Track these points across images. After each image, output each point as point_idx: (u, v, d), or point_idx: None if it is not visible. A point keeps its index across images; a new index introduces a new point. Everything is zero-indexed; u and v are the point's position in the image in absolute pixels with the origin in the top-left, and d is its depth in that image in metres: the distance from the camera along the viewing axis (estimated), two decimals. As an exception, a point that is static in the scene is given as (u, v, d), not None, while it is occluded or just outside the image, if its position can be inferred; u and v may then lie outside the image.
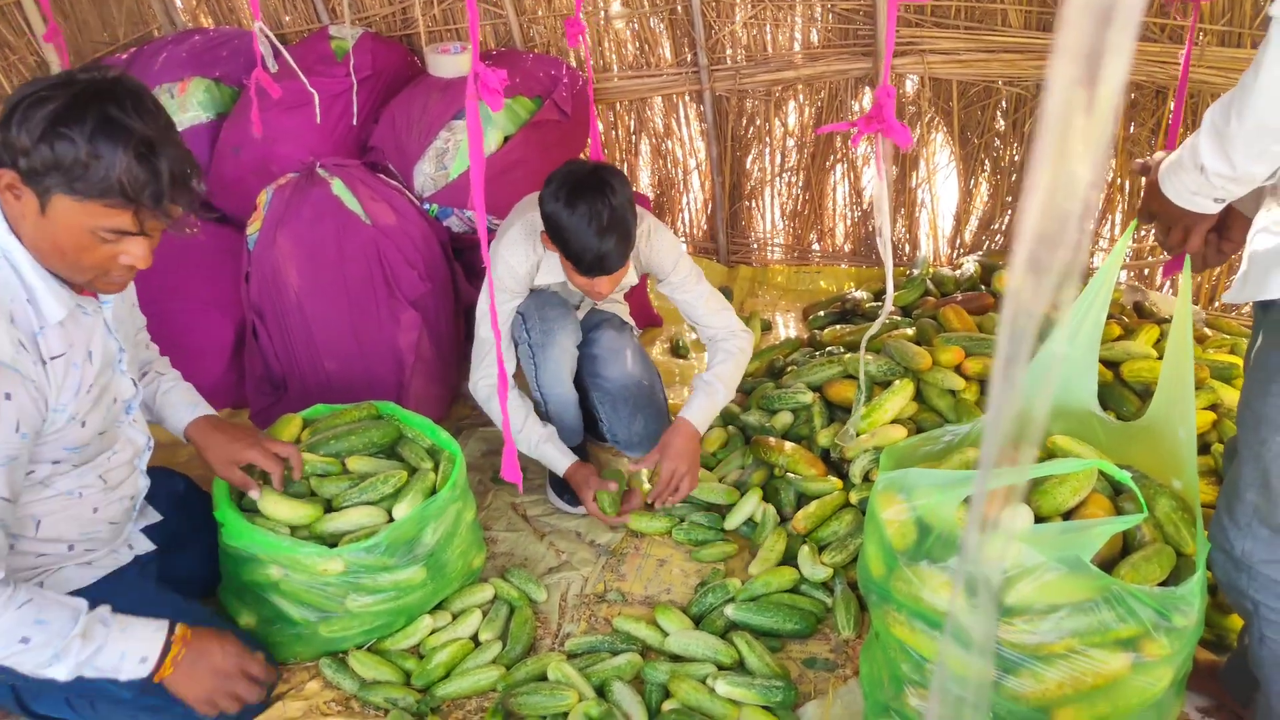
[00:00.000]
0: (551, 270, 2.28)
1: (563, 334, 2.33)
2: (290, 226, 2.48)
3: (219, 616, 1.98)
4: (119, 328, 1.73)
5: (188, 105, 3.04)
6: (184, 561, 2.03)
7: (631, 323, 2.63)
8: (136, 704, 1.81)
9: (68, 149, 1.40)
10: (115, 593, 1.74)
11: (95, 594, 1.70)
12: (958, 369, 2.44)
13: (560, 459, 2.33)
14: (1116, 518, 1.57)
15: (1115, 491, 1.69)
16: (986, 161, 3.29)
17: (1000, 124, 3.19)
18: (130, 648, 1.62)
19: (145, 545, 1.93)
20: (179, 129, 3.16)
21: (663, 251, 2.33)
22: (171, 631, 1.66)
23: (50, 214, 1.46)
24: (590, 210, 2.01)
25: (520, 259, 2.24)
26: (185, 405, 1.96)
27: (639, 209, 2.23)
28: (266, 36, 2.54)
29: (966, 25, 3.01)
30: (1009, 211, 3.31)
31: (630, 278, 2.34)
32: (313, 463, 2.04)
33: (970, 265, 3.06)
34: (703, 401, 2.34)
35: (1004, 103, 3.14)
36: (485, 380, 2.30)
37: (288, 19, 3.51)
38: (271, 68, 2.75)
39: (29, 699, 1.90)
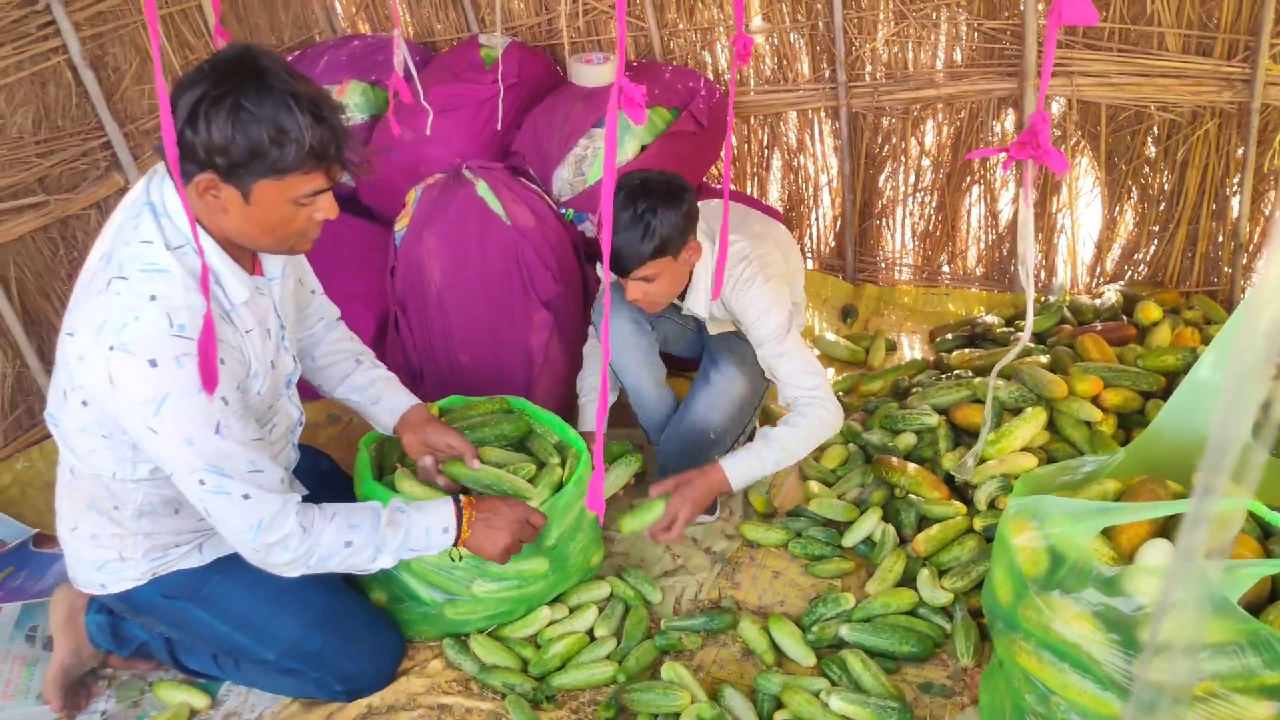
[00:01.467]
0: None
1: (627, 330, 2.37)
2: (436, 225, 2.59)
3: (354, 589, 2.08)
4: (283, 306, 1.84)
5: (345, 107, 3.20)
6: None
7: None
8: (277, 665, 1.93)
9: (259, 134, 1.47)
10: None
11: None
12: (1095, 400, 2.37)
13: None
14: (1267, 560, 1.50)
15: (1265, 534, 1.62)
16: (1134, 189, 3.18)
17: (1151, 150, 3.08)
18: (431, 522, 1.82)
19: None
20: (337, 129, 3.34)
21: (747, 304, 2.24)
22: (457, 502, 1.86)
23: (255, 200, 1.54)
24: (620, 201, 2.06)
25: None
26: (403, 392, 2.11)
27: (755, 259, 2.24)
28: (402, 44, 2.64)
29: (1120, 48, 2.93)
30: (1154, 241, 3.19)
31: (667, 293, 2.22)
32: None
33: (1111, 295, 2.96)
34: (749, 459, 2.20)
35: (1155, 129, 3.03)
36: (589, 379, 2.46)
37: (439, 27, 3.66)
38: (411, 73, 2.87)
39: (181, 654, 2.05)
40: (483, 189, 2.63)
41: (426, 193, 2.66)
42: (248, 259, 1.71)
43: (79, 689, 2.05)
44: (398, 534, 1.78)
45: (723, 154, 3.37)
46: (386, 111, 3.19)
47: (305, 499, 2.09)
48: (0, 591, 2.30)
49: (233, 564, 1.83)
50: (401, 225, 2.69)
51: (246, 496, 1.61)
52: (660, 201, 2.07)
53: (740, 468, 2.20)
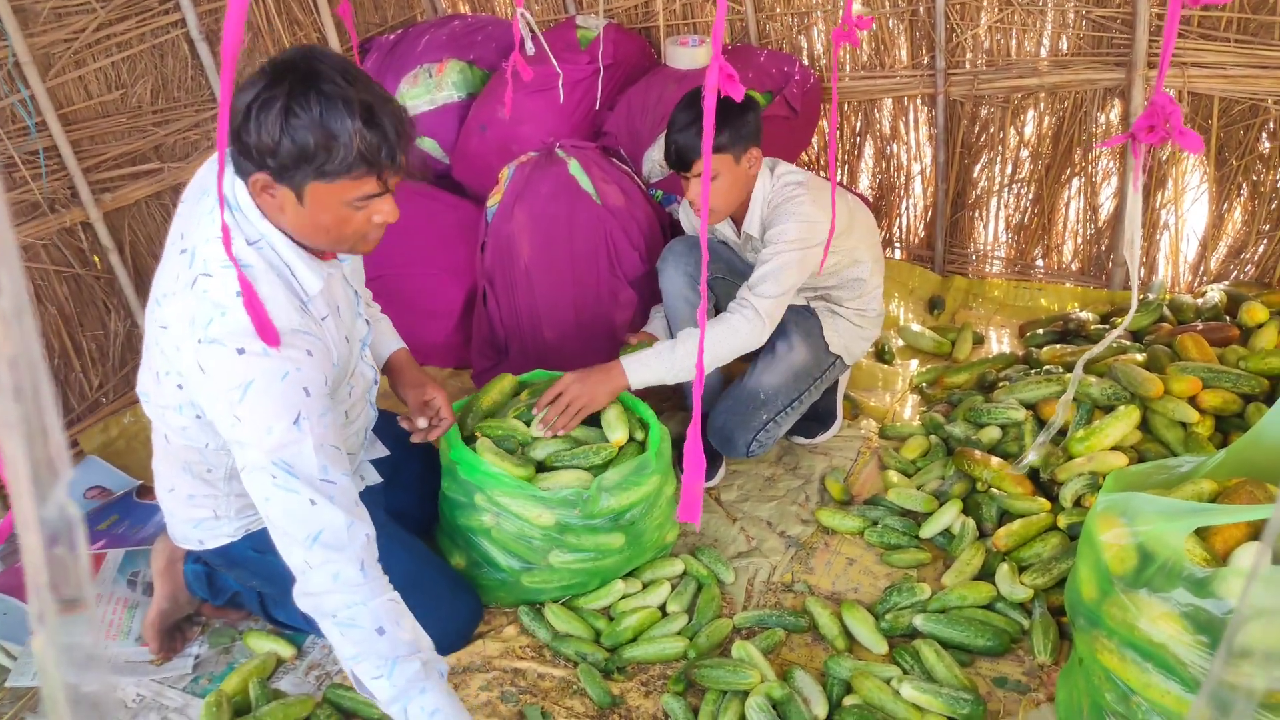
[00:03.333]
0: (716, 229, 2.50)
1: (679, 259, 2.46)
2: (528, 201, 2.63)
3: (435, 552, 2.14)
4: (354, 277, 1.90)
5: (443, 85, 3.27)
6: (405, 499, 2.20)
7: (834, 341, 2.51)
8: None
9: (306, 138, 1.47)
10: None
11: None
12: (1192, 401, 2.29)
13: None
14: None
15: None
16: (1244, 185, 3.05)
17: (1265, 146, 2.95)
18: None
19: (374, 477, 2.10)
20: (434, 106, 3.41)
21: (781, 214, 2.26)
22: None
23: (308, 202, 1.55)
24: (682, 104, 2.21)
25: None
26: (391, 335, 2.14)
27: (809, 187, 2.29)
28: (528, 21, 2.70)
29: (1237, 38, 2.81)
30: (1264, 240, 3.06)
31: (726, 197, 2.28)
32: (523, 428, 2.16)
33: (1215, 294, 2.85)
34: (650, 357, 2.16)
35: (1271, 123, 2.90)
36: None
37: (537, 7, 3.70)
38: (529, 51, 2.92)
39: (272, 607, 2.13)
40: (574, 168, 2.66)
41: (519, 170, 2.71)
42: None
43: (175, 633, 2.15)
44: (416, 683, 1.55)
45: (823, 127, 3.35)
46: (482, 90, 3.25)
47: (387, 459, 2.16)
48: (106, 538, 2.43)
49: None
50: (494, 202, 2.75)
51: (313, 503, 1.55)
52: (725, 102, 2.09)
53: (642, 366, 2.15)
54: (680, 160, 2.23)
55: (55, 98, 2.60)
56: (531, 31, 2.61)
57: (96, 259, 2.77)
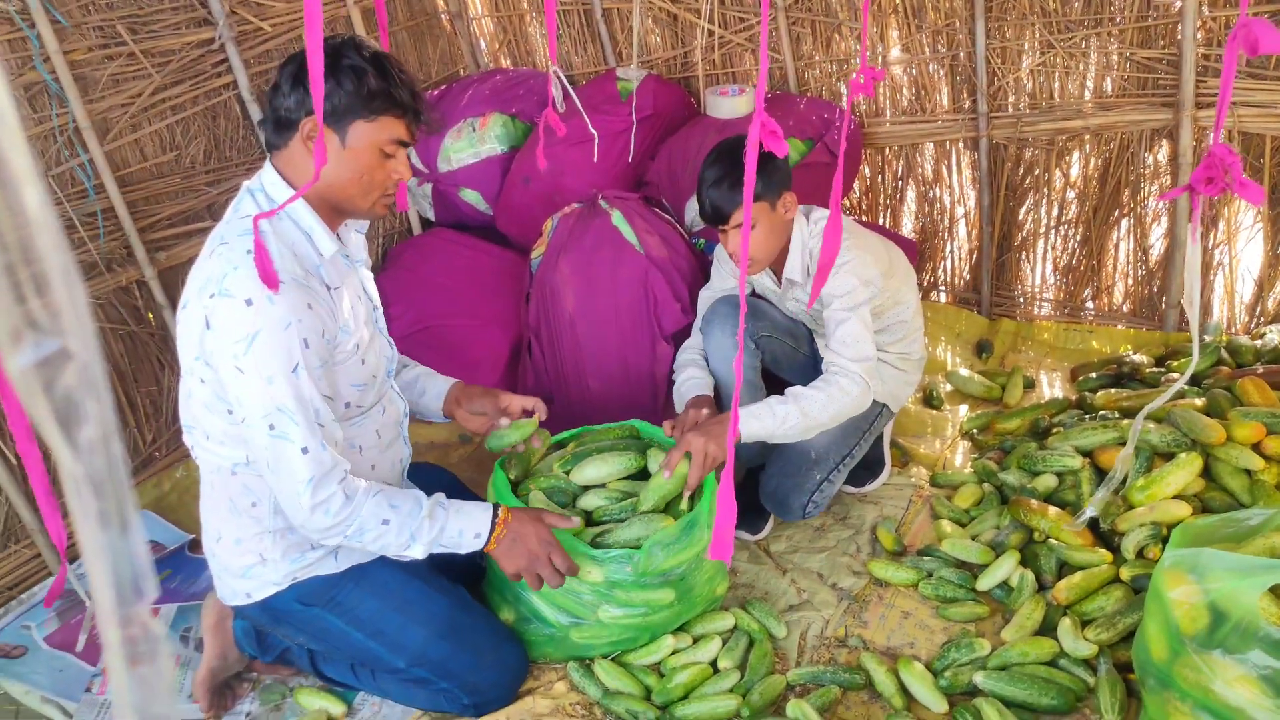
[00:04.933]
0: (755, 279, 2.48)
1: (725, 320, 2.40)
2: (572, 253, 2.65)
3: (482, 605, 2.13)
4: (374, 294, 1.99)
5: (486, 138, 3.32)
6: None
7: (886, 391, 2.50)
8: (407, 675, 1.99)
9: (355, 80, 1.69)
10: (392, 561, 1.93)
11: (380, 561, 1.92)
12: (1256, 447, 2.23)
13: (692, 392, 2.36)
14: None
15: None
16: (1300, 224, 2.99)
17: (1320, 184, 2.89)
18: (466, 525, 1.87)
19: None
20: (478, 159, 3.47)
21: (839, 281, 2.24)
22: (496, 513, 1.90)
23: (350, 142, 1.73)
24: (709, 160, 2.21)
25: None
26: (442, 378, 2.21)
27: (848, 230, 2.28)
28: (559, 79, 2.74)
29: (1287, 76, 2.77)
30: (1323, 280, 2.99)
31: (765, 246, 2.27)
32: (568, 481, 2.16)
33: (1274, 335, 2.78)
34: (764, 411, 2.13)
35: (1326, 161, 2.85)
36: (686, 369, 2.43)
37: (578, 60, 3.76)
38: (560, 108, 2.96)
39: (321, 663, 2.13)
40: (617, 218, 2.68)
41: (563, 222, 2.73)
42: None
43: (225, 691, 2.15)
44: (434, 527, 1.83)
45: (864, 173, 3.34)
46: (524, 143, 3.29)
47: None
48: (159, 593, 2.45)
49: (365, 573, 1.92)
50: (538, 253, 2.77)
51: (305, 450, 1.68)
52: (741, 161, 2.14)
53: (752, 418, 2.13)
54: (716, 215, 2.22)
55: (112, 161, 2.68)
56: (564, 88, 2.65)
57: (150, 316, 2.82)
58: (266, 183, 1.78)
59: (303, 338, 1.66)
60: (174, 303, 2.84)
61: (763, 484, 2.46)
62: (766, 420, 2.13)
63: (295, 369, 1.66)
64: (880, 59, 3.34)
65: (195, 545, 2.59)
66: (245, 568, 1.90)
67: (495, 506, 1.92)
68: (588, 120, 2.82)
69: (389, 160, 1.77)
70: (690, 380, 2.40)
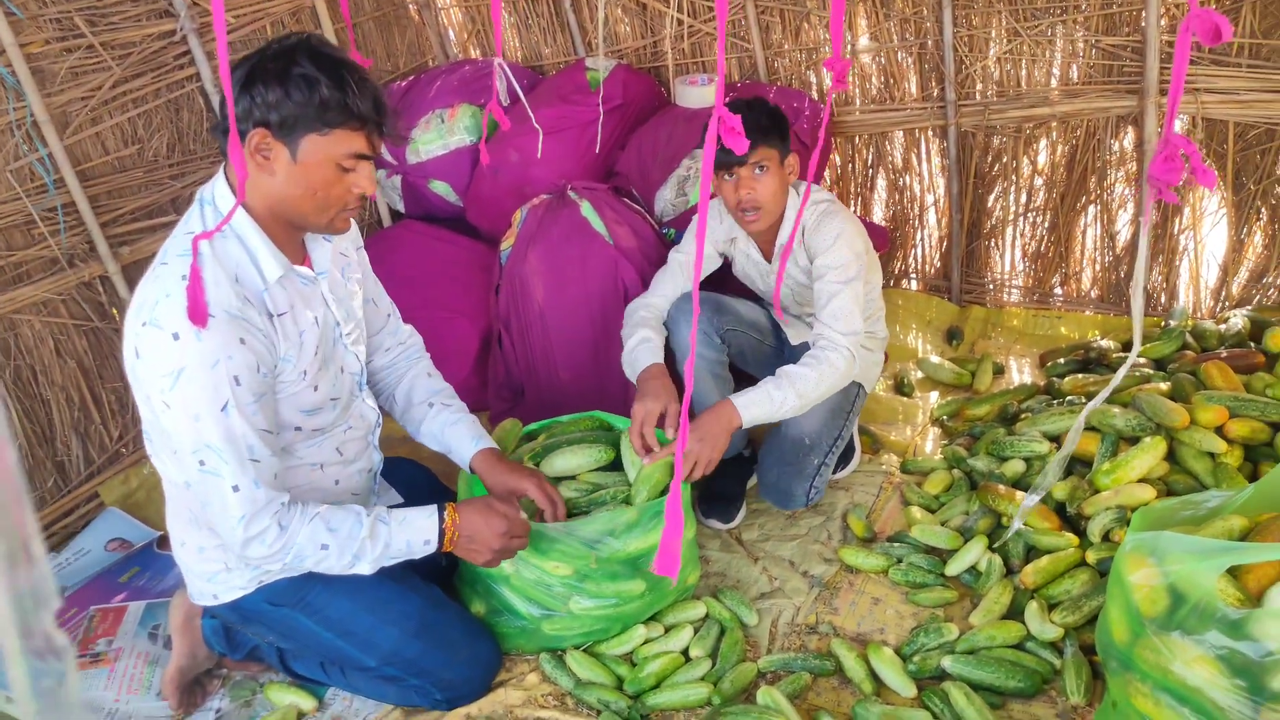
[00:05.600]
0: (741, 252, 2.45)
1: (697, 339, 2.36)
2: (541, 244, 2.64)
3: (454, 600, 2.12)
4: (338, 304, 1.87)
5: (455, 129, 3.30)
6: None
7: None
8: (379, 672, 1.98)
9: (307, 90, 1.57)
10: None
11: None
12: (1219, 430, 2.25)
13: (645, 360, 2.29)
14: None
15: None
16: (1263, 210, 3.02)
17: (1282, 169, 2.93)
18: (413, 536, 1.82)
19: None
20: (447, 150, 3.44)
21: (825, 232, 2.28)
22: (442, 518, 1.85)
23: (302, 157, 1.61)
24: (748, 101, 2.24)
25: (715, 219, 2.44)
26: (470, 438, 2.07)
27: (837, 203, 2.34)
28: (504, 71, 2.71)
29: (1250, 64, 2.79)
30: (1287, 264, 3.02)
31: (771, 197, 2.27)
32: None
33: (1238, 320, 2.81)
34: (760, 395, 2.16)
35: (1288, 146, 2.88)
36: (638, 331, 2.34)
37: (547, 51, 3.74)
38: (504, 100, 2.94)
39: (291, 660, 2.12)
40: (586, 209, 2.67)
41: (532, 213, 2.72)
42: (294, 250, 1.76)
43: (195, 688, 2.14)
44: (376, 545, 1.78)
45: (835, 160, 3.34)
46: (490, 136, 3.27)
47: (402, 506, 2.15)
48: (127, 591, 2.43)
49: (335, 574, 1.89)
50: (507, 245, 2.75)
51: (236, 488, 1.63)
52: (767, 106, 2.24)
53: (751, 405, 2.16)
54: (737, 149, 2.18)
55: (73, 155, 2.64)
56: (509, 83, 2.62)
57: (115, 312, 2.79)
58: (217, 195, 1.68)
59: (233, 375, 1.58)
60: (138, 298, 2.81)
61: (762, 478, 2.47)
62: (765, 406, 2.17)
63: (225, 407, 1.59)
64: (849, 47, 3.35)
65: (163, 542, 2.57)
66: (210, 574, 1.88)
67: (441, 509, 1.85)
68: (532, 114, 2.77)
69: (347, 175, 1.66)
70: (644, 344, 2.32)
